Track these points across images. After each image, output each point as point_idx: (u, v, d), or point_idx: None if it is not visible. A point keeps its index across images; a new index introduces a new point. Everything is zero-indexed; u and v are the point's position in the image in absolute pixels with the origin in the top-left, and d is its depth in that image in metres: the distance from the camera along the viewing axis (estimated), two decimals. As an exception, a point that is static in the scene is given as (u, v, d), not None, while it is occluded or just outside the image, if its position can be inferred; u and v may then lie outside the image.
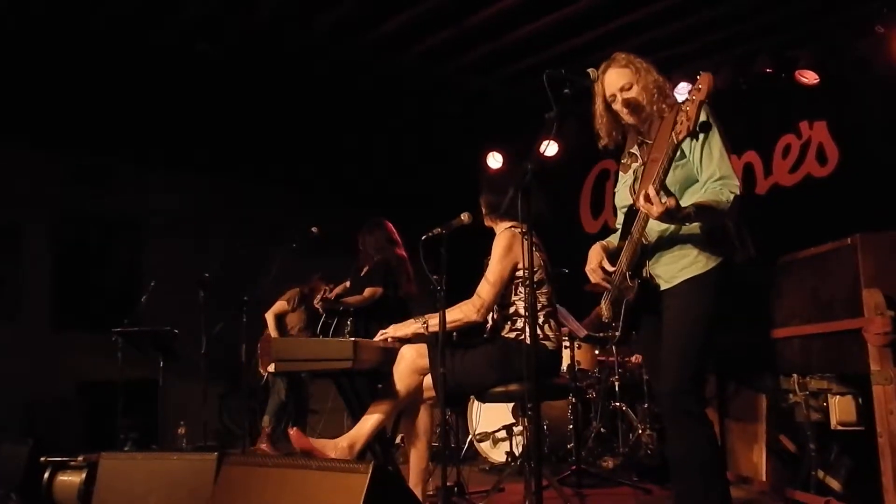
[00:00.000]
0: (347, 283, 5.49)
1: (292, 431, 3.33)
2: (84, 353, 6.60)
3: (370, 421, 3.40)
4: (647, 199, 2.41)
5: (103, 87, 6.23)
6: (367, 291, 5.25)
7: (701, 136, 2.57)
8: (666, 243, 2.68)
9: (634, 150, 2.85)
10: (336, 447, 3.30)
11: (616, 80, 2.78)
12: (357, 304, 5.25)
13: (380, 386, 3.56)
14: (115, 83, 6.21)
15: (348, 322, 5.37)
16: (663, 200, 2.38)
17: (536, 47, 6.09)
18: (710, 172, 2.57)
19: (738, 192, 2.53)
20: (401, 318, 3.86)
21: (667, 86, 2.75)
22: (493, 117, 7.27)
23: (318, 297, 5.32)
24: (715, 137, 2.61)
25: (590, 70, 2.81)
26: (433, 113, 7.31)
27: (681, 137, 2.34)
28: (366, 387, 3.75)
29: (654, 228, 2.70)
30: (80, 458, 3.67)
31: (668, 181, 2.59)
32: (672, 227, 2.67)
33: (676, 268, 2.65)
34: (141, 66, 6.07)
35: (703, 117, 2.48)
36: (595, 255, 2.85)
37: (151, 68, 6.11)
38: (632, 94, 2.76)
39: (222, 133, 6.94)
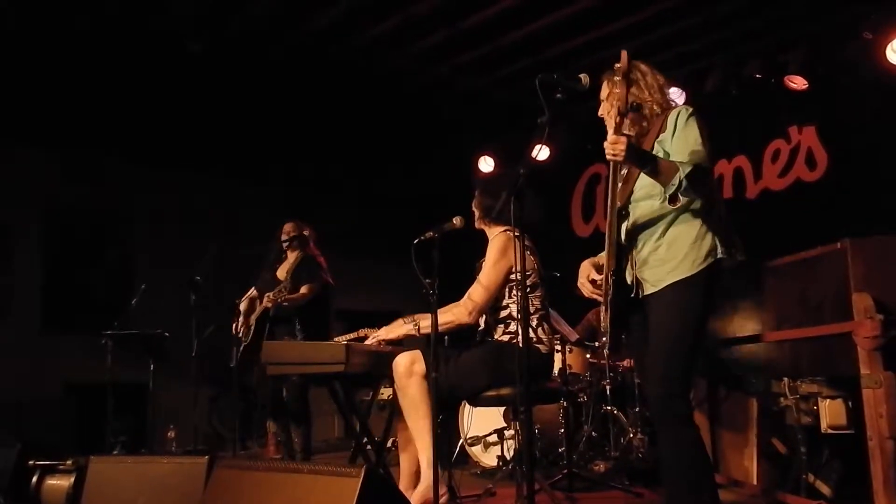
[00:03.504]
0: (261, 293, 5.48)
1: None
2: (73, 355, 6.55)
3: (421, 445, 3.39)
4: (610, 144, 2.48)
5: (94, 84, 6.19)
6: (304, 288, 5.20)
7: (679, 126, 2.64)
8: (652, 247, 2.69)
9: None
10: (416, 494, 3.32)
11: (601, 94, 2.88)
12: (297, 301, 5.18)
13: (365, 398, 3.55)
14: (106, 80, 6.16)
15: (296, 324, 5.33)
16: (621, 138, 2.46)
17: (529, 50, 6.11)
18: (682, 157, 2.59)
19: (706, 168, 2.58)
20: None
21: (644, 97, 2.75)
22: (485, 120, 7.28)
23: (271, 296, 5.17)
24: (692, 128, 2.64)
25: (581, 75, 2.82)
26: (426, 115, 7.31)
27: (617, 120, 2.47)
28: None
29: (638, 227, 2.72)
30: (68, 462, 3.63)
31: (652, 184, 2.63)
32: (657, 230, 2.68)
33: (662, 271, 2.65)
34: (132, 63, 6.03)
35: (668, 132, 2.63)
36: (584, 269, 2.88)
37: (143, 65, 6.07)
38: (604, 106, 2.84)
39: (215, 132, 6.90)
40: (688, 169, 2.51)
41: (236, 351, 5.39)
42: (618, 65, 2.40)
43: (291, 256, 5.56)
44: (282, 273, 5.51)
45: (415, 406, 3.38)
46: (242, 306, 5.67)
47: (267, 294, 5.12)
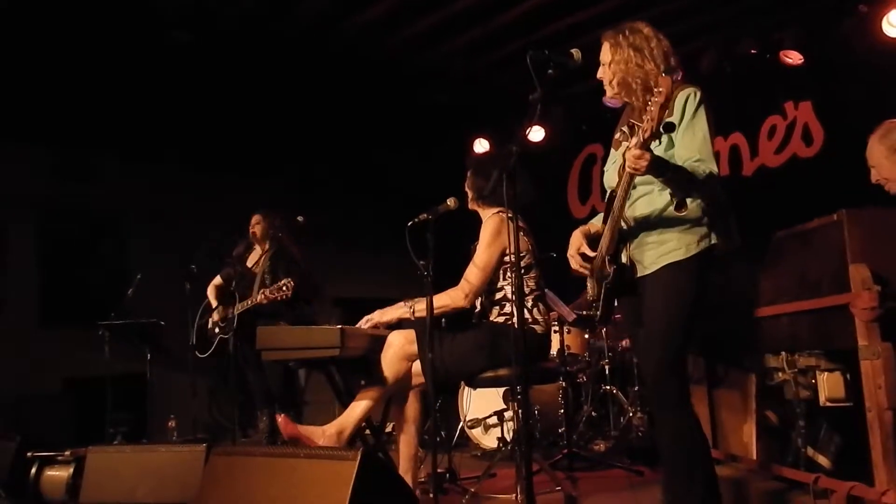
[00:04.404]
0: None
1: (280, 418, 3.31)
2: (71, 349, 6.55)
3: (358, 408, 3.39)
4: (634, 158, 2.39)
5: (86, 82, 6.17)
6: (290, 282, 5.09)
7: (688, 114, 2.60)
8: (648, 229, 2.68)
9: (626, 128, 2.82)
10: (324, 434, 3.28)
11: (601, 55, 2.80)
12: (281, 298, 5.04)
13: (363, 382, 3.55)
14: (98, 77, 6.14)
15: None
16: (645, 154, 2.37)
17: (522, 31, 6.06)
18: (689, 154, 2.57)
19: (715, 172, 2.56)
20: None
21: (649, 67, 2.69)
22: (480, 103, 7.24)
23: (268, 293, 5.02)
24: (701, 121, 2.61)
25: (573, 51, 2.78)
26: (420, 99, 7.27)
27: (646, 136, 2.34)
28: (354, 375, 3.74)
29: (636, 213, 2.70)
30: (67, 453, 3.64)
31: None
32: (654, 212, 2.67)
33: (657, 253, 2.64)
34: (124, 60, 6.01)
35: (676, 117, 2.56)
36: (575, 240, 2.85)
37: (135, 62, 6.05)
38: (603, 71, 2.79)
39: (207, 126, 6.88)
40: (700, 179, 2.51)
41: (196, 335, 5.41)
42: (659, 88, 2.33)
43: (261, 247, 5.53)
44: (252, 263, 5.49)
45: (383, 382, 3.41)
46: (211, 294, 5.66)
47: (262, 290, 5.06)
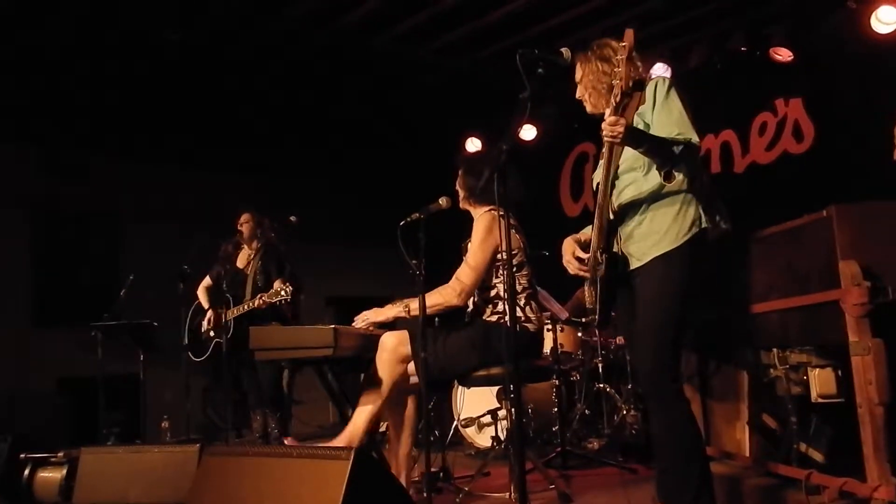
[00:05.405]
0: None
1: (287, 441, 3.32)
2: (64, 350, 6.53)
3: (362, 415, 3.39)
4: (610, 125, 2.41)
5: (78, 80, 6.15)
6: (277, 285, 5.06)
7: (660, 98, 2.64)
8: (636, 221, 2.69)
9: None
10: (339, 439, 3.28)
11: (575, 76, 2.86)
12: (281, 303, 4.96)
13: (362, 378, 3.55)
14: (91, 77, 6.13)
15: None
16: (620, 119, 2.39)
17: (515, 28, 6.05)
18: (668, 131, 2.59)
19: (695, 142, 2.59)
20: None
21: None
22: (472, 101, 7.24)
23: (266, 298, 4.97)
24: (673, 100, 2.64)
25: (563, 49, 2.80)
26: (411, 98, 7.26)
27: (618, 99, 2.36)
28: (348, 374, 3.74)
29: (624, 201, 2.71)
30: (60, 454, 3.63)
31: (635, 157, 2.64)
32: (641, 203, 2.68)
33: (647, 244, 2.65)
34: (116, 58, 5.99)
35: (648, 104, 2.60)
36: (568, 246, 2.88)
37: (126, 60, 6.03)
38: (580, 89, 2.85)
39: (201, 126, 6.87)
40: (681, 147, 2.52)
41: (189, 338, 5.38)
42: (623, 43, 2.33)
43: (249, 246, 5.50)
44: (243, 263, 5.46)
45: (380, 385, 3.40)
46: (202, 296, 5.64)
47: (261, 295, 5.03)
